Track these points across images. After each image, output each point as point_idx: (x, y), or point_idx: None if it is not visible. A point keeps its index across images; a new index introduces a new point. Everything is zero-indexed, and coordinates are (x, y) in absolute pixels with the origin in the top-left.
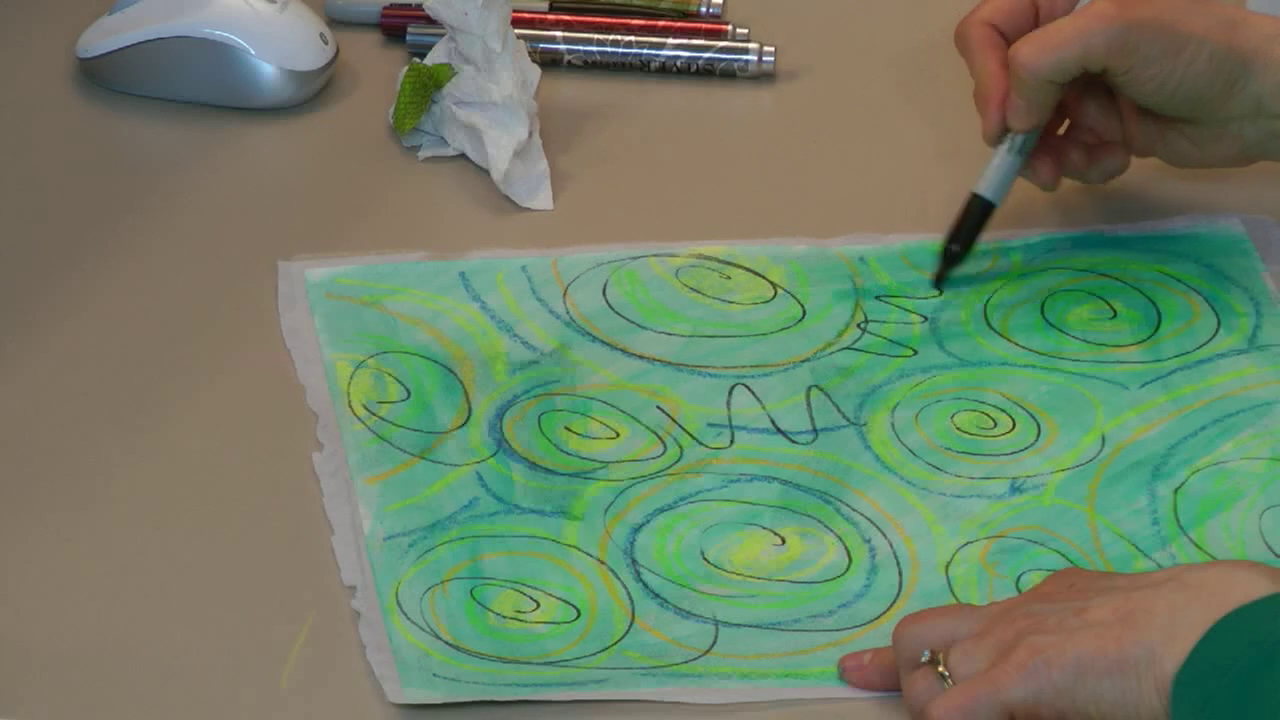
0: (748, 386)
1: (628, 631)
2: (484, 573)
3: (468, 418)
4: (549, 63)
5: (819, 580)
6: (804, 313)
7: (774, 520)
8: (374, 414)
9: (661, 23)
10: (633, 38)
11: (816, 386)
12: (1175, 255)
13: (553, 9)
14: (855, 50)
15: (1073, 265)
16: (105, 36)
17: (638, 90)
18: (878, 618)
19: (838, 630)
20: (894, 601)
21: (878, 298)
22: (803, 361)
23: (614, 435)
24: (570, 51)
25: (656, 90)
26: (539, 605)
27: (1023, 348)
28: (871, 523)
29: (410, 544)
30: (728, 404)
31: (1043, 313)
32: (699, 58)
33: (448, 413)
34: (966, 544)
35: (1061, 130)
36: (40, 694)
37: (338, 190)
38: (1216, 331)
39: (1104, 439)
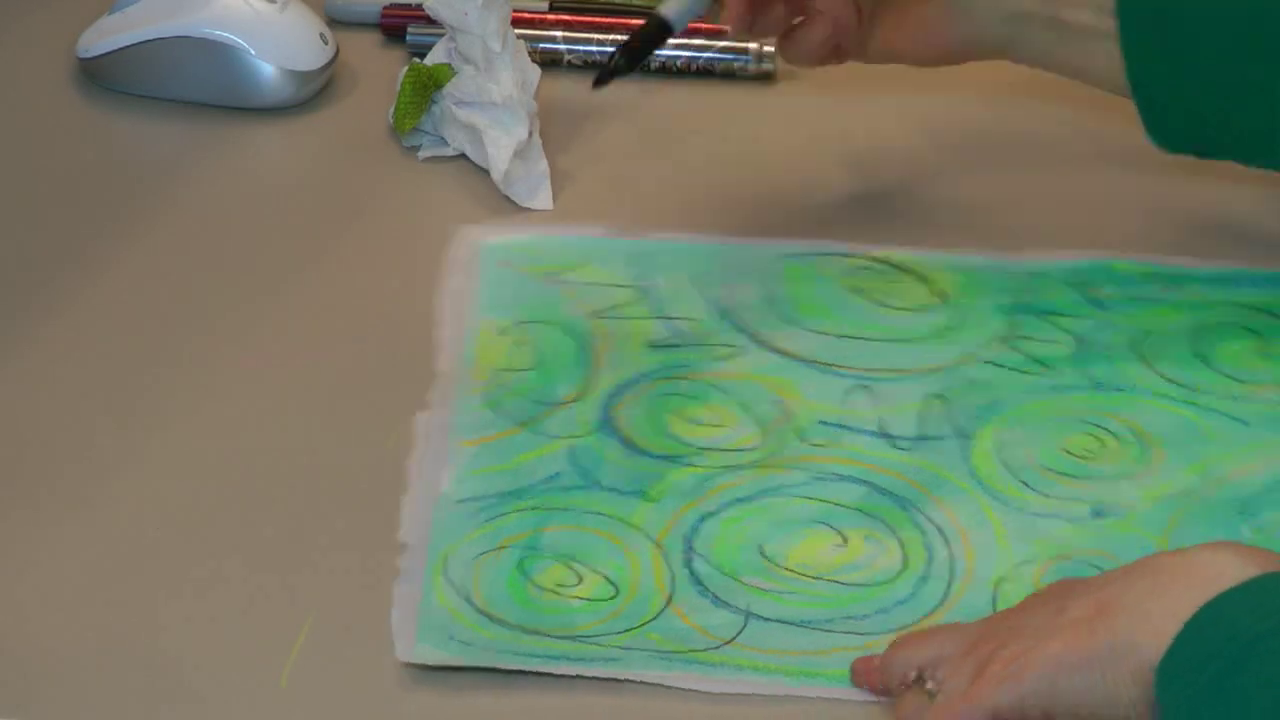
0: (869, 388)
1: (659, 614)
2: (541, 544)
3: (585, 393)
4: (549, 63)
5: (865, 584)
6: (960, 323)
7: (845, 521)
8: (497, 381)
9: None
10: None
11: (937, 395)
12: None
13: (553, 9)
14: None
15: (1240, 301)
16: (105, 36)
17: (637, 90)
18: (909, 625)
19: (865, 635)
20: (932, 611)
21: (1039, 315)
22: (935, 371)
23: (721, 424)
24: (570, 51)
25: (656, 90)
26: (581, 580)
27: (1165, 378)
28: (940, 531)
29: (481, 508)
30: (844, 404)
31: (1193, 344)
32: (699, 58)
33: (569, 386)
34: (1026, 562)
35: None
36: (40, 694)
37: (338, 190)
38: None
39: (1205, 473)
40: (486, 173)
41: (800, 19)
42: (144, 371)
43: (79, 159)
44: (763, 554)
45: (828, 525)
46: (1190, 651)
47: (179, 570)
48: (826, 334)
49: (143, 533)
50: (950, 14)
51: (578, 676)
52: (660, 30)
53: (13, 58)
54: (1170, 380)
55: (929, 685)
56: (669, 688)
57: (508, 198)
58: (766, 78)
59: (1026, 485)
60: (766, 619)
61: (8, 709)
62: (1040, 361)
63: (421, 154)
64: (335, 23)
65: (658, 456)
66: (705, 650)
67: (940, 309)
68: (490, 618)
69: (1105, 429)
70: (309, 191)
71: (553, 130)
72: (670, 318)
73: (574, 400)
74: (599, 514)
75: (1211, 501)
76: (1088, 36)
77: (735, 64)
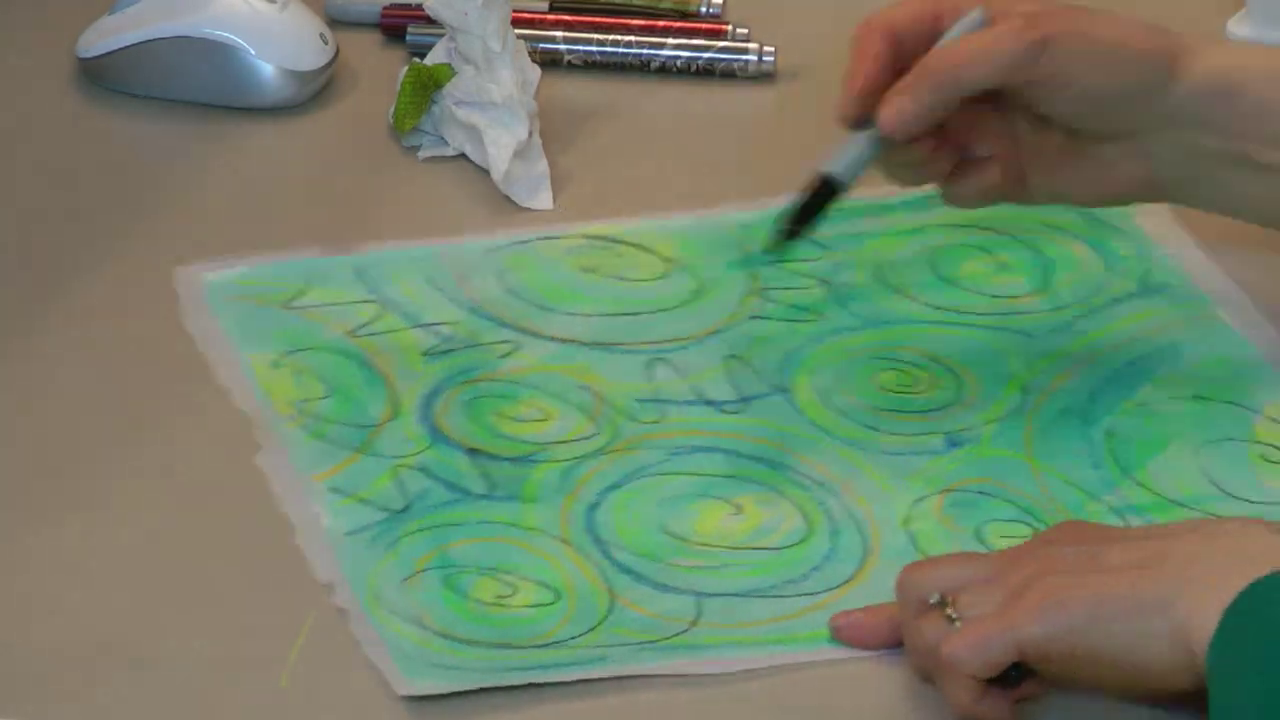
0: (667, 360)
1: (611, 609)
2: (454, 561)
3: (397, 410)
4: (549, 63)
5: (785, 546)
6: (702, 285)
7: (726, 490)
8: (302, 412)
9: (661, 23)
10: (633, 38)
11: (734, 356)
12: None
13: (553, 9)
14: None
15: (952, 221)
16: (105, 36)
17: (638, 90)
18: (852, 577)
19: (816, 593)
20: (864, 560)
21: (769, 263)
22: (714, 333)
23: (546, 417)
24: (570, 51)
25: (656, 90)
26: (517, 590)
27: (925, 304)
28: (821, 486)
29: (373, 538)
30: (651, 379)
31: (934, 269)
32: (699, 58)
33: (375, 406)
34: (919, 500)
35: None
36: (40, 694)
37: (338, 190)
38: (1108, 277)
39: (1025, 388)
40: (486, 173)
41: (963, 161)
42: (144, 371)
43: (79, 159)
44: (669, 533)
45: (712, 497)
46: (1242, 626)
47: (179, 570)
48: (588, 315)
49: (143, 532)
50: (1129, 154)
51: (579, 682)
52: (827, 188)
53: (13, 58)
54: (936, 306)
55: (949, 611)
56: (654, 676)
57: (508, 198)
58: (766, 78)
59: (871, 428)
60: (717, 595)
61: (8, 709)
62: (804, 309)
63: (421, 154)
64: (335, 23)
65: (508, 459)
66: (678, 635)
67: (678, 274)
68: (457, 640)
69: (905, 361)
70: (309, 191)
71: (553, 130)
72: (428, 324)
73: (390, 419)
74: (490, 522)
75: (1051, 414)
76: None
77: (735, 64)
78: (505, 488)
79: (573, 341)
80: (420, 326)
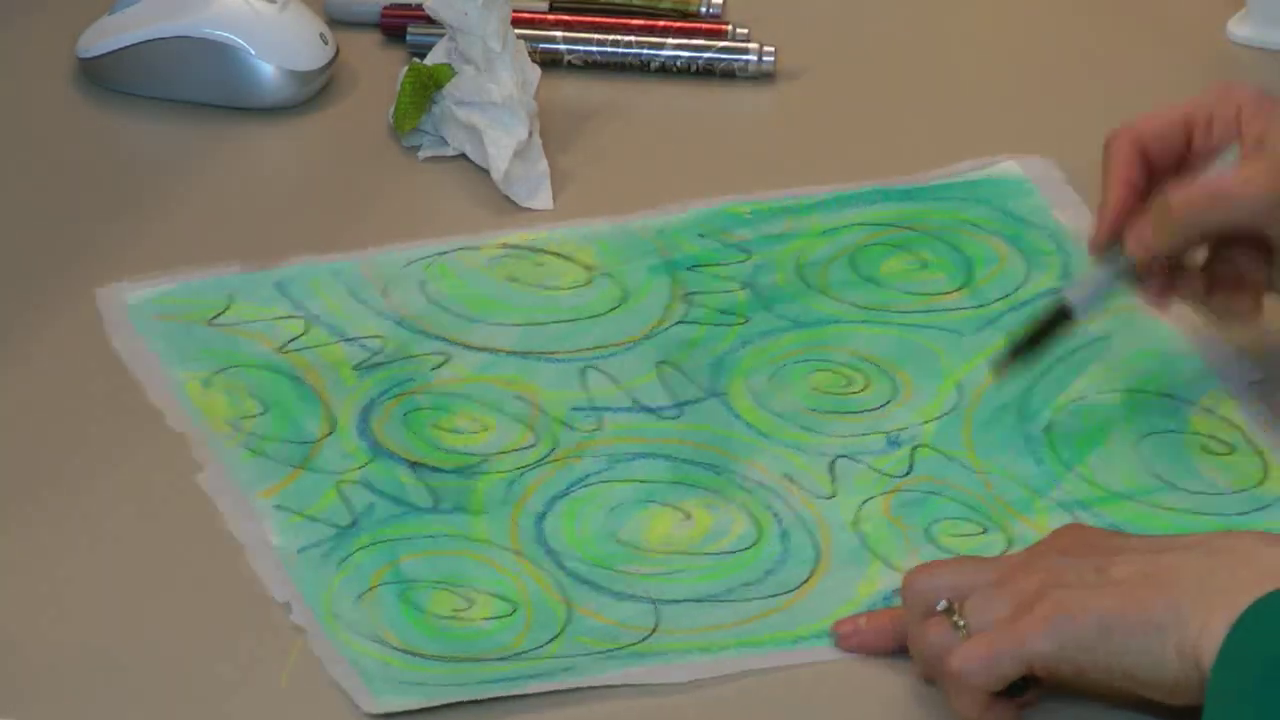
0: (599, 368)
1: (570, 619)
2: (408, 575)
3: (334, 425)
4: (549, 63)
5: (737, 550)
6: (626, 292)
7: (672, 496)
8: (240, 429)
9: (661, 23)
10: (633, 38)
11: (665, 362)
12: (965, 202)
13: (553, 9)
14: (855, 50)
15: (870, 220)
16: (105, 36)
17: (638, 90)
18: (807, 579)
19: (774, 596)
20: (817, 562)
21: (690, 268)
22: (643, 339)
23: (484, 428)
24: (570, 51)
25: (656, 90)
26: (473, 603)
27: (850, 304)
28: (767, 489)
29: (324, 555)
30: (585, 387)
31: (855, 268)
32: (699, 58)
33: (312, 421)
34: (866, 501)
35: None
36: (40, 694)
37: (338, 190)
38: (1029, 272)
39: (960, 386)
40: (486, 173)
41: (1219, 284)
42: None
43: (79, 159)
44: (620, 542)
45: (659, 503)
46: (1244, 645)
47: (179, 570)
48: (515, 325)
49: (143, 532)
50: None
51: (549, 693)
52: (1061, 317)
53: (13, 58)
54: (860, 306)
55: (955, 619)
56: (619, 686)
57: (508, 198)
58: (766, 78)
59: (810, 430)
60: (675, 601)
61: (8, 709)
62: (729, 312)
63: (421, 154)
64: (335, 23)
65: (450, 471)
66: (640, 642)
67: (600, 281)
68: (419, 655)
69: (837, 362)
70: (309, 191)
71: (553, 130)
72: (354, 338)
73: (328, 434)
74: (440, 536)
75: (989, 412)
76: None
77: (735, 64)
78: (451, 500)
79: (503, 351)
80: (348, 340)
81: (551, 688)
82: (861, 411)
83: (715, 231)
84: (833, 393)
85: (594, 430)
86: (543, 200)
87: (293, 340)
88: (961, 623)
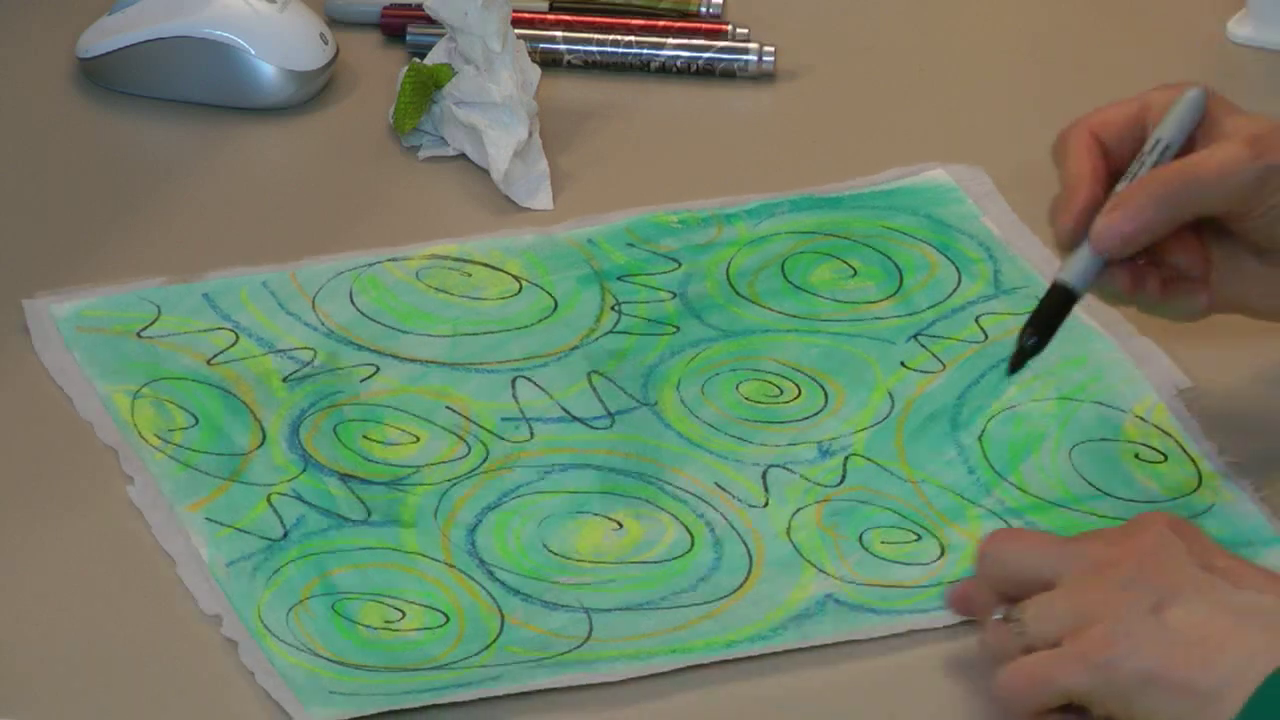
0: (529, 378)
1: (502, 629)
2: (339, 587)
3: (264, 437)
4: (549, 63)
5: (669, 559)
6: (555, 302)
7: (603, 506)
8: (169, 442)
9: (661, 23)
10: (633, 38)
11: (596, 372)
12: (894, 210)
13: (553, 9)
14: (855, 50)
15: (798, 228)
16: (105, 36)
17: (638, 90)
18: (740, 586)
19: (708, 603)
20: (750, 570)
21: (620, 278)
22: (573, 349)
23: (414, 440)
24: (570, 51)
25: (656, 90)
26: (405, 614)
27: (779, 313)
28: (699, 498)
29: (255, 568)
30: (515, 397)
31: (785, 276)
32: (699, 58)
33: (242, 434)
34: (798, 510)
35: None
36: (40, 694)
37: (338, 190)
38: (960, 280)
39: (891, 395)
40: (486, 173)
41: (1170, 281)
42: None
43: (79, 159)
44: (551, 552)
45: (591, 513)
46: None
47: (178, 570)
48: (444, 336)
49: (142, 532)
50: None
51: (480, 700)
52: (1065, 298)
53: (13, 58)
54: (790, 315)
55: (1014, 626)
56: (548, 691)
57: (508, 198)
58: (766, 78)
59: (741, 439)
60: (607, 610)
61: (7, 709)
62: (659, 322)
63: (421, 154)
64: (335, 23)
65: (381, 483)
66: (571, 650)
67: (529, 291)
68: (349, 665)
69: (767, 371)
70: (309, 192)
71: (553, 130)
72: (284, 350)
73: (258, 446)
74: (371, 548)
75: (920, 420)
76: None
77: (735, 64)
78: (382, 512)
79: (432, 362)
80: (276, 352)
81: (477, 695)
82: (793, 421)
83: (644, 241)
84: (763, 402)
85: (525, 441)
86: (542, 200)
87: (221, 352)
88: (1020, 631)
